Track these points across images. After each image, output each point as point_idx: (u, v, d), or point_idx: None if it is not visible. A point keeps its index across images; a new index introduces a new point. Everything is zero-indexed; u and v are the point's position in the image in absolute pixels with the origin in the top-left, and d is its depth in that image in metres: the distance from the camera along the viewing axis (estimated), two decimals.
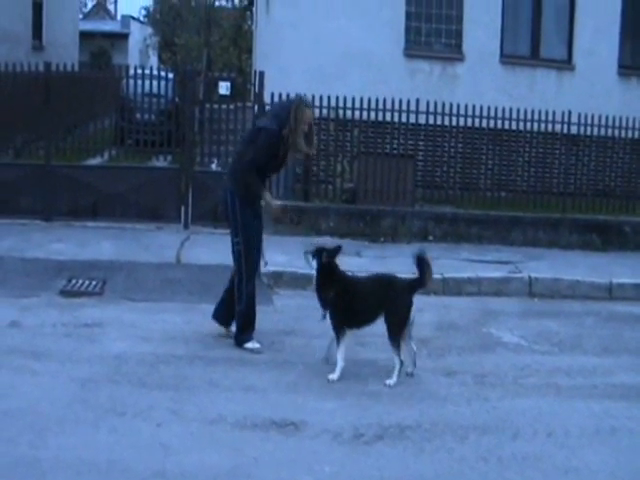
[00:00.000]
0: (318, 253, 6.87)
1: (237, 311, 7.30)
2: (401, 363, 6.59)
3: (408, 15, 14.94)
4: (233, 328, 7.43)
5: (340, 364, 6.62)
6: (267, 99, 12.32)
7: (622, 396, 6.71)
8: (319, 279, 6.89)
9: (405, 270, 9.89)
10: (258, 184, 7.19)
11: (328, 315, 6.79)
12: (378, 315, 6.71)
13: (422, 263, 6.73)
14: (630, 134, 13.73)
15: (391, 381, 6.53)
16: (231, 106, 13.13)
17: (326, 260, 6.82)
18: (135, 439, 5.35)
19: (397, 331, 6.60)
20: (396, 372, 6.56)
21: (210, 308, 7.57)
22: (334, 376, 6.59)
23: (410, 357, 6.74)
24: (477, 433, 5.76)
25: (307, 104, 7.26)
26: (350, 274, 7.13)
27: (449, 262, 10.58)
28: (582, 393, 6.73)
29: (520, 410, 6.26)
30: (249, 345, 7.22)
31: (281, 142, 7.09)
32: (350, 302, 6.76)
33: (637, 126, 13.66)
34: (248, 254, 7.20)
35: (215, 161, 12.67)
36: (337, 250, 6.93)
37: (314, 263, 6.87)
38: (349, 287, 6.88)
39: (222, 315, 7.51)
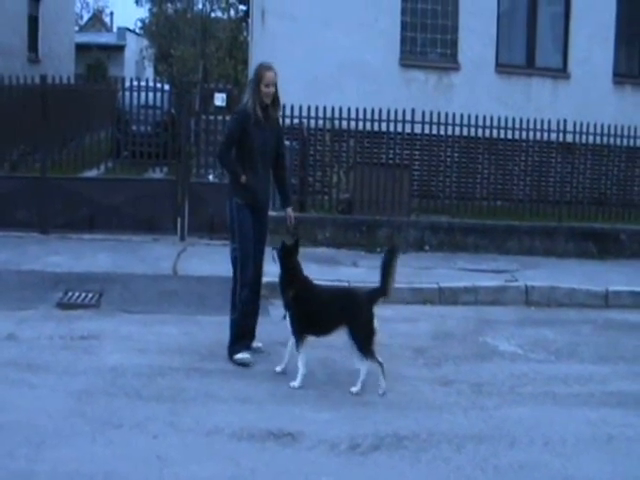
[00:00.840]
0: (280, 249, 6.97)
1: (231, 320, 7.32)
2: (381, 365, 6.55)
3: (403, 25, 15.00)
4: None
5: (301, 371, 6.64)
6: None
7: (619, 404, 6.72)
8: (281, 276, 6.99)
9: (402, 280, 9.95)
10: (232, 163, 7.26)
11: (288, 317, 6.83)
12: (336, 328, 6.66)
13: (386, 268, 6.71)
14: (625, 142, 13.75)
15: (355, 388, 6.55)
16: (227, 117, 13.15)
17: (284, 254, 6.93)
18: (132, 451, 5.35)
19: (366, 345, 6.52)
20: (381, 377, 6.56)
21: (206, 320, 7.58)
22: (295, 383, 6.60)
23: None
24: (474, 442, 5.75)
25: (266, 66, 7.24)
26: (313, 281, 7.11)
27: (445, 271, 10.61)
28: (579, 401, 6.73)
29: (517, 419, 6.25)
30: (238, 357, 7.15)
31: (250, 117, 7.10)
32: (306, 307, 6.76)
33: (632, 134, 13.68)
34: (244, 261, 7.23)
35: (212, 172, 12.67)
36: (296, 245, 7.04)
37: (276, 259, 6.99)
38: (307, 291, 6.89)
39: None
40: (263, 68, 7.20)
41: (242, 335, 7.30)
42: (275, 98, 7.26)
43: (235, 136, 7.17)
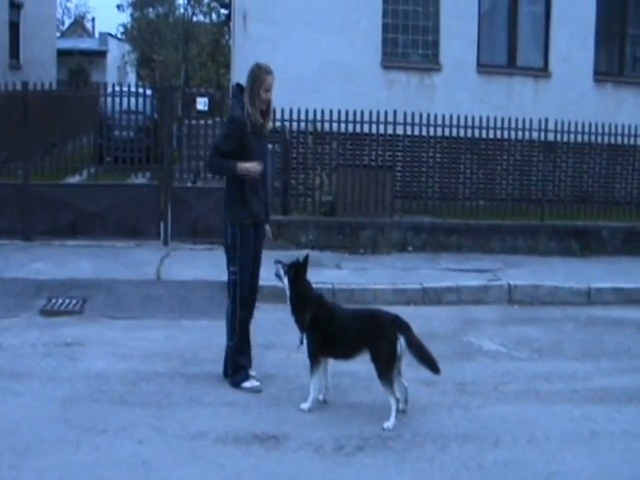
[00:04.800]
0: (289, 269, 6.53)
1: (228, 347, 6.86)
2: (397, 401, 6.08)
3: (385, 27, 15.04)
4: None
5: (312, 395, 6.29)
6: None
7: (601, 400, 6.76)
8: (292, 298, 6.52)
9: (385, 281, 10.01)
10: (222, 162, 6.65)
11: (305, 341, 6.39)
12: (359, 352, 6.24)
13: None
14: (607, 140, 13.82)
15: (389, 424, 5.97)
16: (209, 121, 13.15)
17: (294, 275, 6.47)
18: (117, 457, 5.35)
19: (386, 370, 6.07)
20: (393, 413, 6.02)
21: (190, 324, 7.57)
22: (305, 405, 6.28)
23: (402, 394, 6.22)
24: (458, 441, 5.78)
25: (266, 69, 6.64)
26: (331, 302, 6.81)
27: (428, 272, 10.64)
28: (562, 398, 6.77)
29: (500, 417, 6.29)
30: (247, 385, 6.72)
31: (247, 125, 6.58)
32: (326, 329, 6.32)
33: (613, 132, 13.75)
34: (243, 283, 6.82)
35: (192, 176, 12.69)
36: (305, 262, 6.53)
37: (285, 280, 6.55)
38: (325, 312, 6.43)
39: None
40: (263, 71, 6.60)
41: (243, 361, 6.87)
42: (269, 105, 6.76)
43: (229, 146, 6.59)
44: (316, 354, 6.32)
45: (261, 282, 9.46)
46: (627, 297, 10.36)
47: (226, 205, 6.79)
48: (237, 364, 6.81)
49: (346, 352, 6.36)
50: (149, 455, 5.38)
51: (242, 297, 6.83)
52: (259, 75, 6.58)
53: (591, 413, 6.44)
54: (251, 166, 6.59)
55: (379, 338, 6.16)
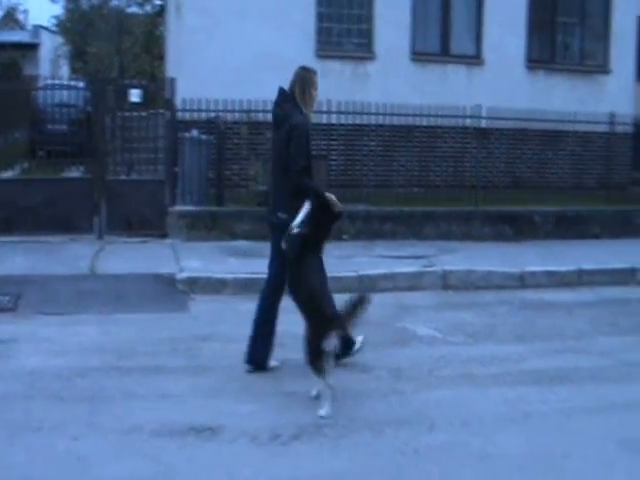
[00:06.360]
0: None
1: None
2: (330, 388, 6.09)
3: (319, 16, 15.08)
4: None
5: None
6: (179, 105, 12.30)
7: (535, 381, 6.86)
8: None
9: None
10: (320, 188, 6.73)
11: None
12: None
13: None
14: (539, 126, 14.03)
15: (323, 411, 5.98)
16: (143, 114, 13.06)
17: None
18: (51, 454, 5.28)
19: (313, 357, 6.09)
20: (326, 400, 6.06)
21: (126, 318, 7.50)
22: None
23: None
24: (393, 427, 5.81)
25: (314, 70, 6.87)
26: None
27: (364, 259, 10.70)
28: (496, 381, 6.85)
29: (435, 401, 6.34)
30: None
31: (309, 127, 6.77)
32: None
33: (545, 118, 13.96)
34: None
35: (126, 169, 12.60)
36: None
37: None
38: None
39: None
40: (312, 73, 6.80)
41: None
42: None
43: (306, 155, 6.65)
44: None
45: (196, 274, 9.56)
46: (559, 280, 10.57)
47: (294, 211, 6.54)
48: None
49: None
50: (84, 451, 5.32)
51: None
52: (309, 77, 6.75)
53: (525, 395, 6.53)
54: (337, 204, 6.60)
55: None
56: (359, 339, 7.07)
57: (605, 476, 5.16)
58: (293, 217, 6.45)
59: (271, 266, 7.00)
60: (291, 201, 6.60)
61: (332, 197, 6.59)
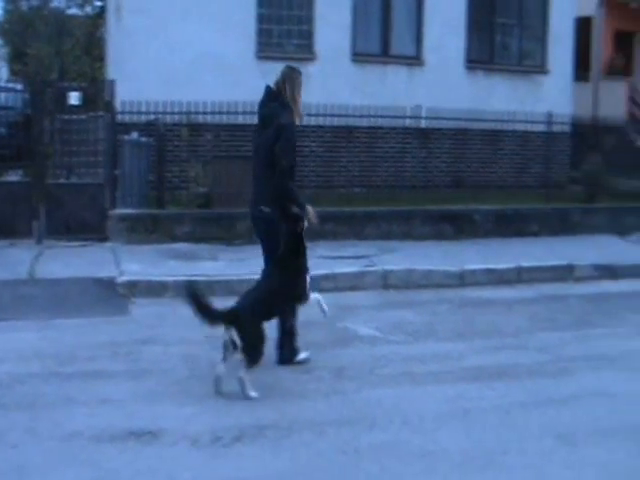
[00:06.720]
0: None
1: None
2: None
3: (260, 17, 15.07)
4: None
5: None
6: (119, 107, 12.20)
7: (474, 378, 6.95)
8: None
9: (259, 272, 10.00)
10: (300, 197, 6.96)
11: None
12: None
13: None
14: (479, 126, 14.19)
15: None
16: (83, 116, 12.94)
17: None
18: None
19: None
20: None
21: (66, 323, 7.42)
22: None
23: None
24: (335, 426, 5.84)
25: (299, 71, 7.02)
26: None
27: None
28: (436, 379, 6.93)
29: (376, 400, 6.39)
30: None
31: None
32: None
33: (485, 118, 14.12)
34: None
35: (66, 172, 12.47)
36: None
37: None
38: None
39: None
40: (296, 72, 6.97)
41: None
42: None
43: (293, 155, 6.89)
44: None
45: (136, 277, 9.50)
46: (498, 277, 10.71)
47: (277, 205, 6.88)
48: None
49: None
50: (23, 459, 5.26)
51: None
52: (297, 77, 6.92)
53: (464, 392, 6.61)
54: (314, 216, 6.99)
55: None
56: (304, 355, 7.20)
57: (543, 469, 5.25)
58: (275, 211, 6.79)
59: (266, 262, 7.21)
60: (274, 196, 6.86)
61: (311, 210, 6.94)
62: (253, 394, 6.32)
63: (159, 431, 5.70)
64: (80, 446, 5.49)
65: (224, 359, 6.38)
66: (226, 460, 5.33)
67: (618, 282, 11.19)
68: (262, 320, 6.49)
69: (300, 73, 7.01)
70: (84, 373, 6.87)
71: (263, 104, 7.04)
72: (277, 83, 6.92)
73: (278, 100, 6.89)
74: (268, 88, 7.01)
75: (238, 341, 6.28)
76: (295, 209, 6.82)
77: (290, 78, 6.89)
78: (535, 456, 5.42)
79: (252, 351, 6.33)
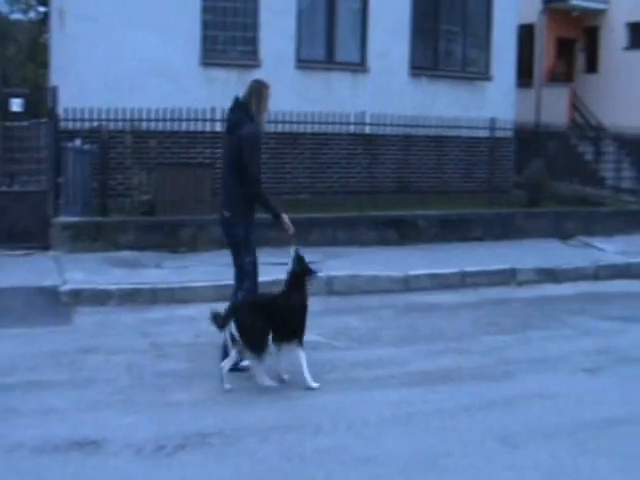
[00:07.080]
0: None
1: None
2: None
3: (204, 24, 14.99)
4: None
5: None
6: (62, 114, 12.09)
7: (418, 382, 7.02)
8: None
9: (206, 278, 10.00)
10: (274, 202, 7.43)
11: None
12: None
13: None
14: (423, 132, 14.29)
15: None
16: (25, 123, 12.80)
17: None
18: None
19: None
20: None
21: (7, 333, 7.33)
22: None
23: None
24: (279, 433, 5.86)
25: (267, 84, 7.27)
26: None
27: None
28: (380, 384, 6.98)
29: (321, 406, 6.42)
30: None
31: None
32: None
33: (429, 124, 14.23)
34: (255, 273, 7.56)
35: (8, 180, 12.33)
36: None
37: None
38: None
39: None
40: (264, 86, 7.23)
41: None
42: None
43: (260, 162, 7.27)
44: None
45: (80, 286, 9.41)
46: (442, 282, 10.81)
47: (236, 210, 7.32)
48: None
49: None
50: None
51: (255, 287, 7.59)
52: (264, 91, 7.19)
53: (408, 396, 6.67)
54: (289, 225, 7.51)
55: None
56: (248, 361, 7.14)
57: (486, 471, 5.32)
58: (235, 215, 7.25)
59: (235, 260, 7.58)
60: (236, 202, 7.26)
61: (286, 219, 7.39)
62: (268, 383, 6.69)
63: (102, 440, 5.67)
64: (22, 458, 5.43)
65: (228, 355, 6.71)
66: (169, 469, 5.32)
67: (559, 286, 11.39)
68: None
69: (268, 87, 7.26)
70: (26, 383, 6.80)
71: (230, 112, 7.36)
72: (245, 96, 7.21)
73: (242, 110, 7.18)
74: (236, 98, 7.29)
75: (237, 335, 6.57)
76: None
77: (258, 92, 7.19)
78: (478, 458, 5.50)
79: (251, 342, 6.61)
